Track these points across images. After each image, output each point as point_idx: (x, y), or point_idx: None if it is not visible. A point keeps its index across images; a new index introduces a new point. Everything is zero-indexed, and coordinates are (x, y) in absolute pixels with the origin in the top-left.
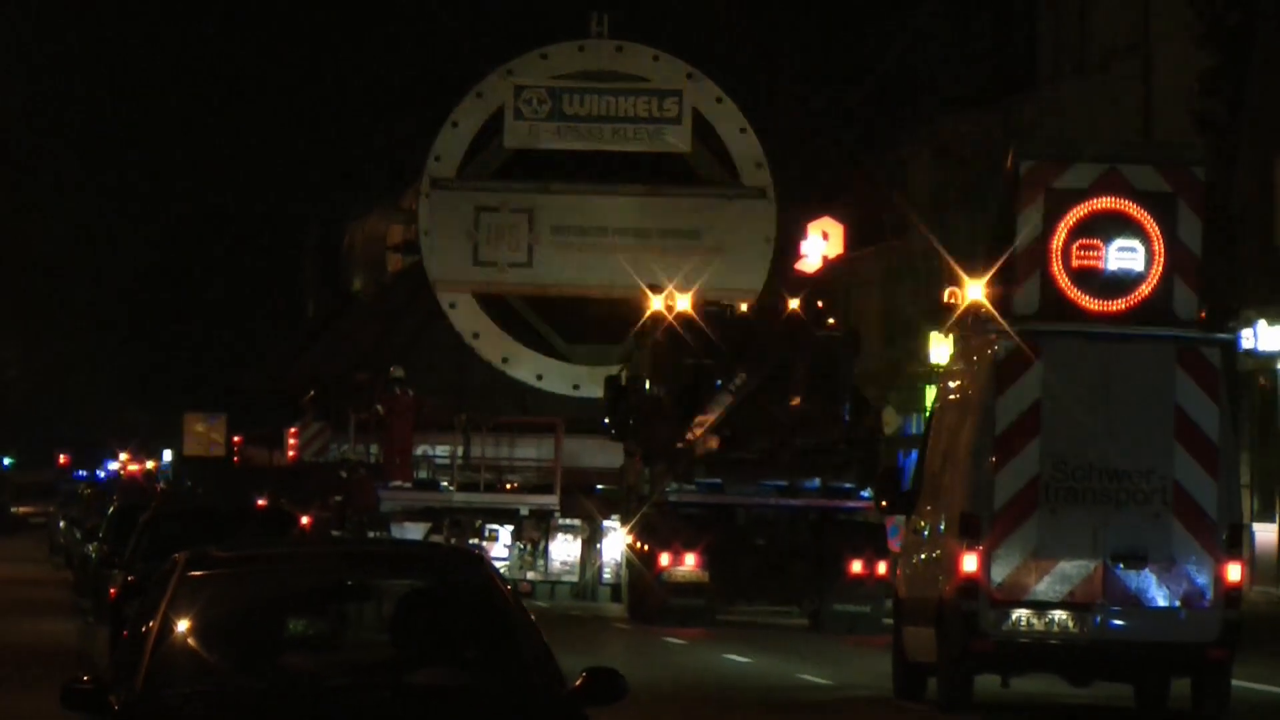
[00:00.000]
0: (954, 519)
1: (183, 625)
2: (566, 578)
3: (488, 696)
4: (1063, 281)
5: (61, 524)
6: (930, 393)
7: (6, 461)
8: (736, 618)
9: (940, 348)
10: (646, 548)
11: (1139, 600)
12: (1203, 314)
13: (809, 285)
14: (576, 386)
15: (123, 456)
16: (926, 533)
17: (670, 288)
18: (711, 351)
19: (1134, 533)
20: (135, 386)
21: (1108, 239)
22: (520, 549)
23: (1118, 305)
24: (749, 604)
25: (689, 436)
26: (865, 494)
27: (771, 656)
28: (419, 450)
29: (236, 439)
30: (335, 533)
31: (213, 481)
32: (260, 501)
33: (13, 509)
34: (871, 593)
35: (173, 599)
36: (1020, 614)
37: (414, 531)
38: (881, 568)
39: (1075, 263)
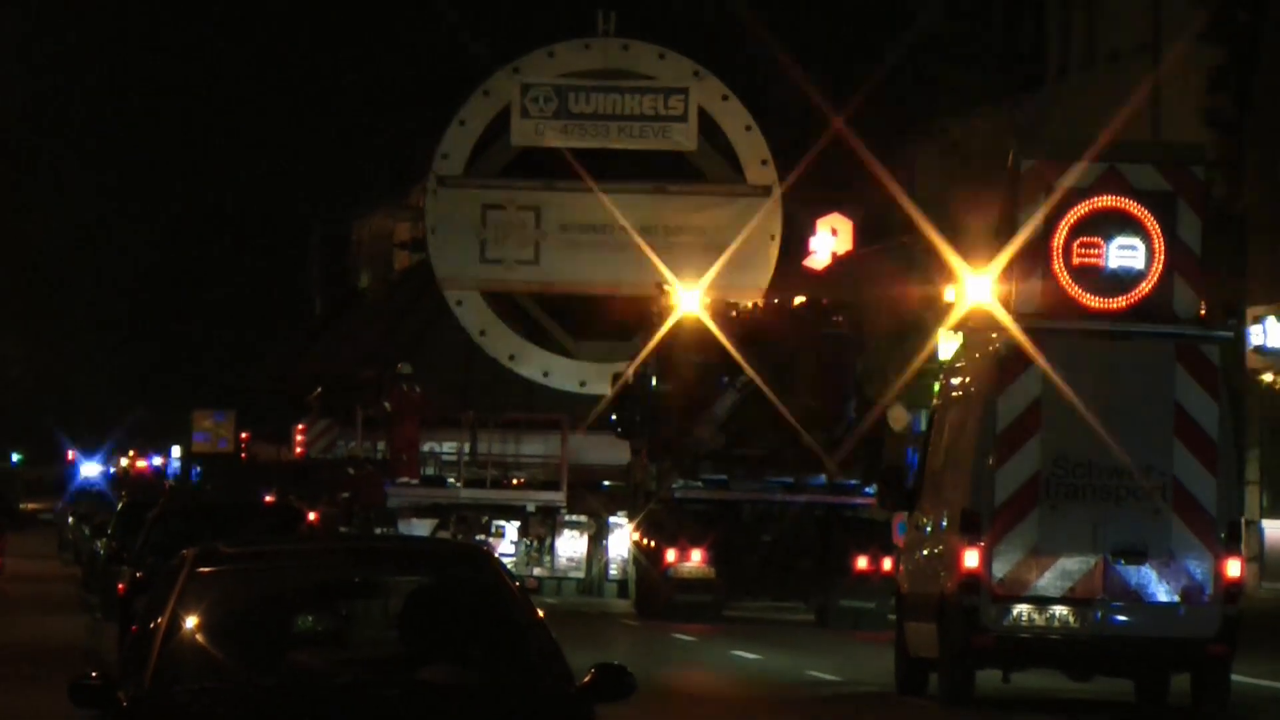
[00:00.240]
0: (955, 515)
1: (191, 621)
2: (573, 574)
3: (496, 693)
4: (1064, 279)
5: (70, 520)
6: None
7: (15, 458)
8: (743, 613)
9: (949, 345)
10: (653, 544)
11: (1139, 596)
12: (1203, 312)
13: (815, 282)
14: (583, 383)
15: (130, 453)
16: (928, 529)
17: (676, 285)
18: (717, 348)
19: (1134, 529)
20: (141, 384)
21: (1108, 237)
22: (526, 545)
23: (1118, 303)
24: (754, 600)
25: (695, 433)
26: (870, 490)
27: (780, 653)
28: (426, 447)
29: (244, 435)
30: (342, 529)
31: (221, 478)
32: (268, 498)
33: (21, 505)
34: (877, 588)
35: (181, 595)
36: (1021, 609)
37: (421, 528)
38: (887, 564)
39: (1076, 261)
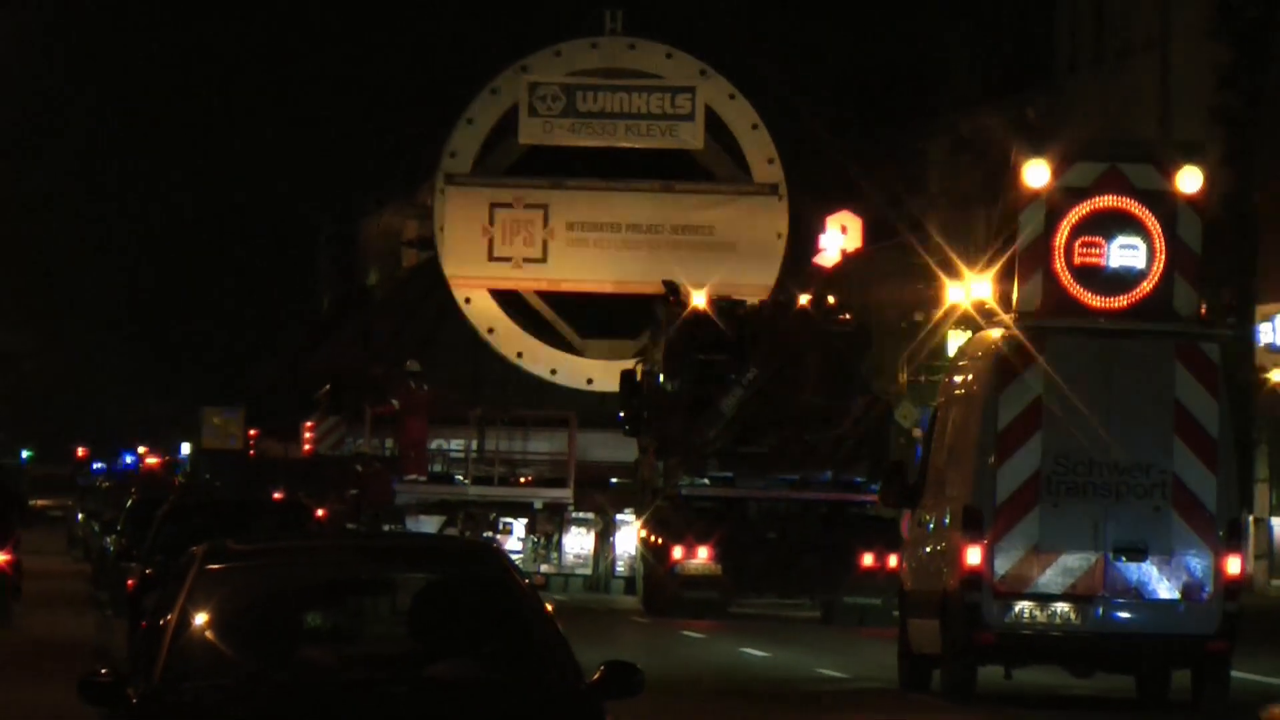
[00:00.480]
0: (957, 513)
1: (200, 618)
2: (580, 571)
3: (505, 689)
4: (1065, 278)
5: (80, 517)
6: None
7: (24, 455)
8: (749, 610)
9: (956, 342)
10: (660, 541)
11: (1139, 593)
12: (1203, 311)
13: (820, 280)
14: (590, 381)
15: (141, 449)
16: (931, 526)
17: (683, 283)
18: (724, 346)
19: (1134, 526)
20: (151, 381)
21: (1109, 237)
22: (534, 542)
23: (1119, 302)
24: (761, 596)
25: (701, 430)
26: (876, 487)
27: (788, 650)
28: (434, 444)
29: (253, 432)
30: (351, 526)
31: (230, 474)
32: (276, 495)
33: (31, 502)
34: (883, 585)
35: (191, 592)
36: (1023, 606)
37: (429, 525)
38: (892, 560)
39: (1077, 260)
